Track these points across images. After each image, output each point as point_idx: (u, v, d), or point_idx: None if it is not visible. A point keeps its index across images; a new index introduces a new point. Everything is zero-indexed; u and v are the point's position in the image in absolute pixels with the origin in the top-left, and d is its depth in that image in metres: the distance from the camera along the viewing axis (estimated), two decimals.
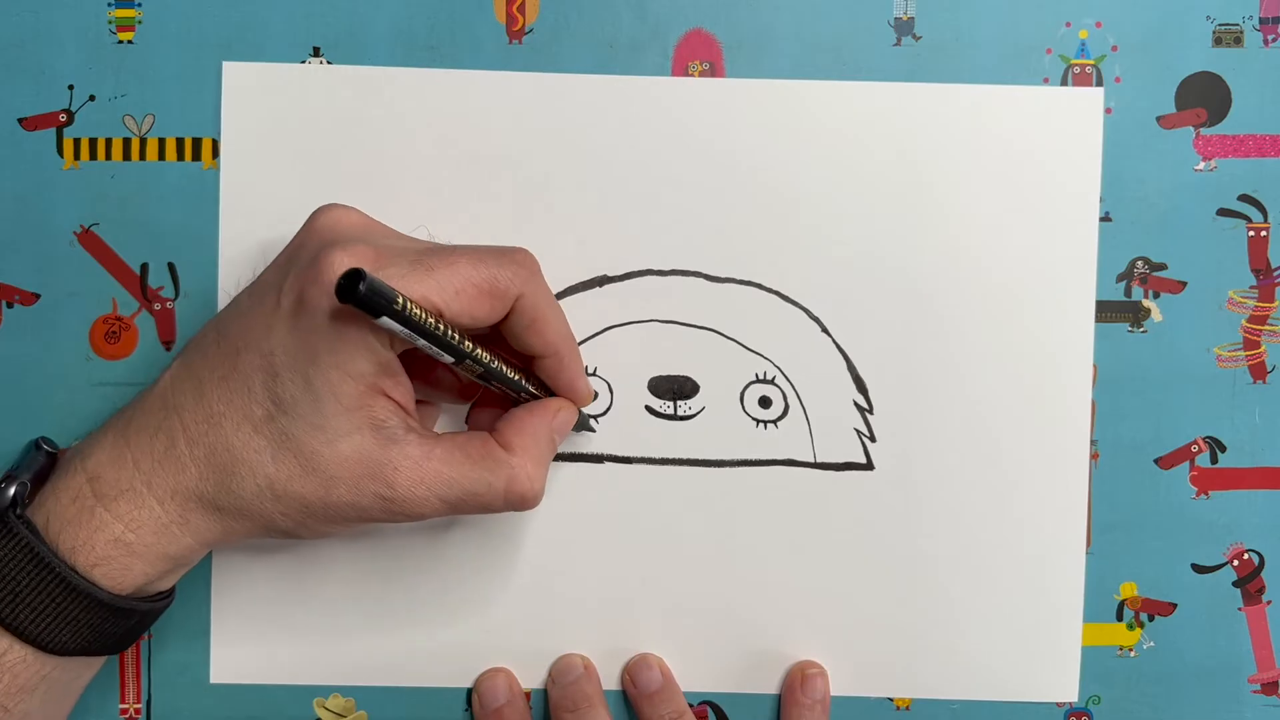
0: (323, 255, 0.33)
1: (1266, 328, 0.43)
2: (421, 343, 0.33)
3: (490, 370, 0.36)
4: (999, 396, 0.42)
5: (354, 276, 0.31)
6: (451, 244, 0.38)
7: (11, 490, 0.34)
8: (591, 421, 0.42)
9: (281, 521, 0.35)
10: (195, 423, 0.35)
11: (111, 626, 0.35)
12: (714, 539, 0.43)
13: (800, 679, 0.42)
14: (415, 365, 0.36)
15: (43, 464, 0.37)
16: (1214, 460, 0.43)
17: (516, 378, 0.38)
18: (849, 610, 0.43)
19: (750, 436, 0.43)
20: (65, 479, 0.35)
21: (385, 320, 0.32)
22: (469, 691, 0.43)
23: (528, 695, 0.43)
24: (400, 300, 0.32)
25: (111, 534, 0.34)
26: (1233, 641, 0.43)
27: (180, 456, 0.35)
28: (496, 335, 0.37)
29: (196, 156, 0.42)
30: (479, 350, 0.35)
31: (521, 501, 0.37)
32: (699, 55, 0.42)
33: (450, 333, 0.34)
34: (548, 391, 0.39)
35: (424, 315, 0.33)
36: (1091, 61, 0.42)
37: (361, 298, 0.31)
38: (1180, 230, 0.43)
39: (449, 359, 0.35)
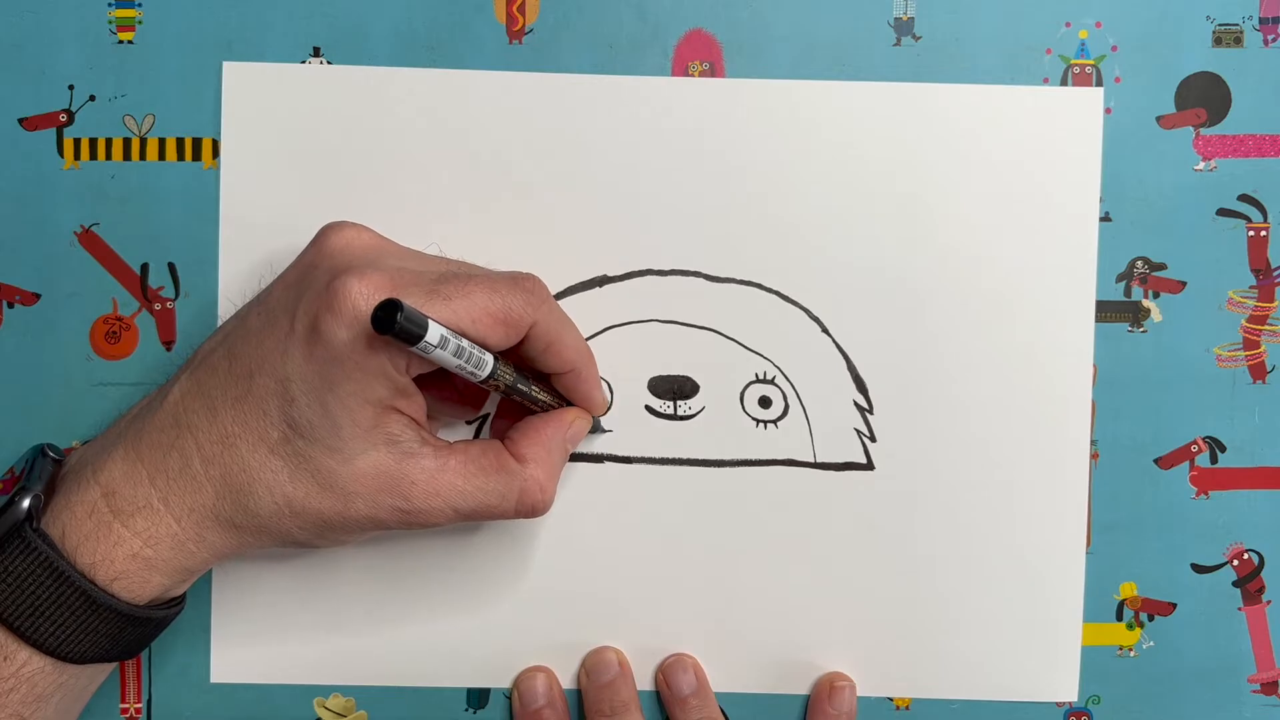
0: (337, 283, 0.33)
1: (1266, 328, 0.43)
2: (454, 364, 0.34)
3: (512, 387, 0.37)
4: (999, 396, 0.42)
5: (390, 307, 0.31)
6: (461, 262, 0.38)
7: (26, 503, 0.34)
8: (604, 423, 0.42)
9: (299, 535, 0.36)
10: (210, 443, 0.35)
11: (129, 635, 0.36)
12: (713, 539, 0.43)
13: (828, 690, 0.42)
14: (423, 379, 0.36)
15: (52, 473, 0.37)
16: (1214, 460, 0.43)
17: (535, 391, 0.38)
18: (848, 610, 0.43)
19: (750, 436, 0.43)
20: (78, 492, 0.35)
21: (422, 346, 0.32)
22: (468, 691, 0.43)
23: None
24: (434, 329, 0.32)
25: (130, 549, 0.35)
26: (1232, 641, 0.43)
27: (196, 476, 0.35)
28: (511, 349, 0.38)
29: (196, 156, 0.42)
30: (502, 369, 0.36)
31: (532, 511, 0.38)
32: (699, 55, 0.42)
33: (476, 354, 0.34)
34: (562, 398, 0.40)
35: (456, 341, 0.33)
36: (1091, 61, 0.42)
37: (399, 329, 0.31)
38: (1180, 230, 0.43)
39: (476, 377, 0.35)
